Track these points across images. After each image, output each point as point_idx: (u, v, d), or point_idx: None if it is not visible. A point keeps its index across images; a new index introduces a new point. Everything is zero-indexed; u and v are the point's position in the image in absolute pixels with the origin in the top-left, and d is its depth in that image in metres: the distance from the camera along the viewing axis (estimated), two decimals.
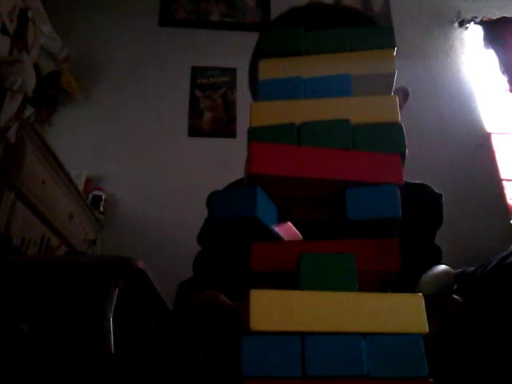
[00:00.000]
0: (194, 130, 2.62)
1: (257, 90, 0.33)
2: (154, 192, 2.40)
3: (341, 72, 0.32)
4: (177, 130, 2.60)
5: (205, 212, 0.70)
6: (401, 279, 0.30)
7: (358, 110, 0.30)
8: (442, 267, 0.42)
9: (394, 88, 0.34)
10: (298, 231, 0.36)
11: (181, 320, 0.40)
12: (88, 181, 2.30)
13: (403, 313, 0.26)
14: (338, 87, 0.31)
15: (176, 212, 2.34)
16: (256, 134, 0.30)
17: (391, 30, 0.34)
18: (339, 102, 0.31)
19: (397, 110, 0.30)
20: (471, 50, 3.08)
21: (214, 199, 0.29)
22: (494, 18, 3.03)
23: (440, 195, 0.76)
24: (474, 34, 3.09)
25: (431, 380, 0.25)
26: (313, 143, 0.29)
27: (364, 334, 0.25)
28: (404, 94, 0.72)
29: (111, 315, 1.05)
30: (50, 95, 2.40)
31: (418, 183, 0.74)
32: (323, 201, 0.31)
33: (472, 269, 0.53)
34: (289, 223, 0.34)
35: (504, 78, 2.90)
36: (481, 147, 2.77)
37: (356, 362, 0.25)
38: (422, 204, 0.69)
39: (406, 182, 0.31)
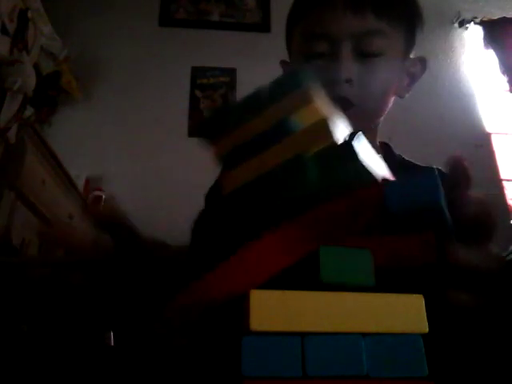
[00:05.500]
0: (194, 131, 2.63)
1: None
2: (153, 192, 2.40)
3: None
4: (177, 130, 2.60)
5: None
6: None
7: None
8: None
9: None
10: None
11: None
12: (88, 181, 2.29)
13: (403, 313, 0.26)
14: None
15: (176, 212, 2.33)
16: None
17: (298, 73, 0.31)
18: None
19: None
20: (471, 50, 3.07)
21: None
22: (494, 18, 3.03)
23: None
24: (474, 34, 3.09)
25: (431, 380, 0.25)
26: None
27: (364, 334, 0.25)
28: (422, 64, 0.68)
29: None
30: (50, 95, 2.40)
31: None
32: None
33: None
34: None
35: (504, 78, 2.90)
36: (481, 147, 2.77)
37: (356, 362, 0.25)
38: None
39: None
